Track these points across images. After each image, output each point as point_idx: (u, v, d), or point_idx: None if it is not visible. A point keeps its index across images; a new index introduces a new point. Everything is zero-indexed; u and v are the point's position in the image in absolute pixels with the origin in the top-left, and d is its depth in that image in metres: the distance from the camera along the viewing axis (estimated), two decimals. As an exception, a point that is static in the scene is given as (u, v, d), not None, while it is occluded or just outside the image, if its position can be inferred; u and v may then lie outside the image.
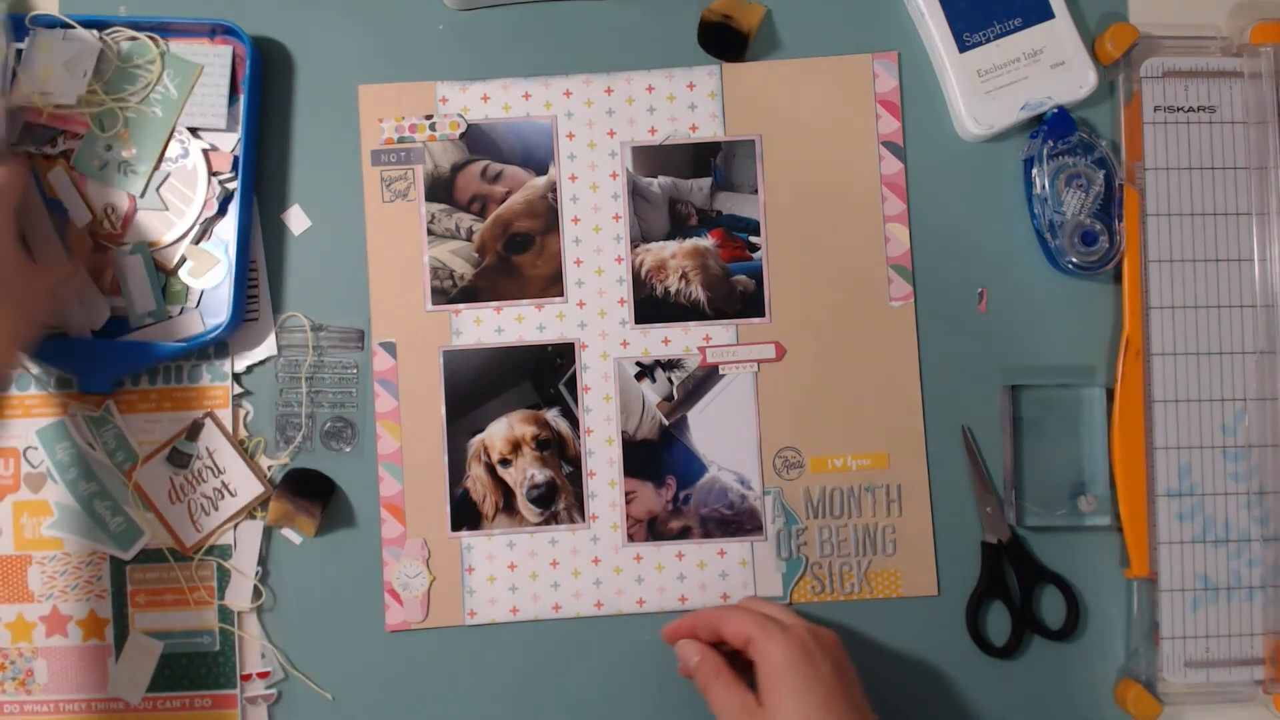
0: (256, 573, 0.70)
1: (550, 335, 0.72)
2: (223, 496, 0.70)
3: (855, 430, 0.71)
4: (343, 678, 0.70)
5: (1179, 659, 0.69)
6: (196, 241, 0.70)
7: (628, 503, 0.71)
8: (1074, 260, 0.70)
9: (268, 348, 0.71)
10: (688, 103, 0.72)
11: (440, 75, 0.72)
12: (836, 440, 0.71)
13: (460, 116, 0.72)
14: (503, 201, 0.72)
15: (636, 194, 0.72)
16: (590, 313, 0.72)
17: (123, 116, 0.70)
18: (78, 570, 0.70)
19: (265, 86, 0.72)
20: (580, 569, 0.71)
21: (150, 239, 0.70)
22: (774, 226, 0.72)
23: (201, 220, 0.70)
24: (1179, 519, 0.70)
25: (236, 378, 0.71)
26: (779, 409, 0.71)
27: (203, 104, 0.70)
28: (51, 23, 0.69)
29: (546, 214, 0.72)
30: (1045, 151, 0.70)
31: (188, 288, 0.70)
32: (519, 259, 0.72)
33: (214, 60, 0.70)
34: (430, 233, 0.72)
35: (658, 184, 0.72)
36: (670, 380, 0.71)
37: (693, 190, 0.72)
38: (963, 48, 0.71)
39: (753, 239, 0.72)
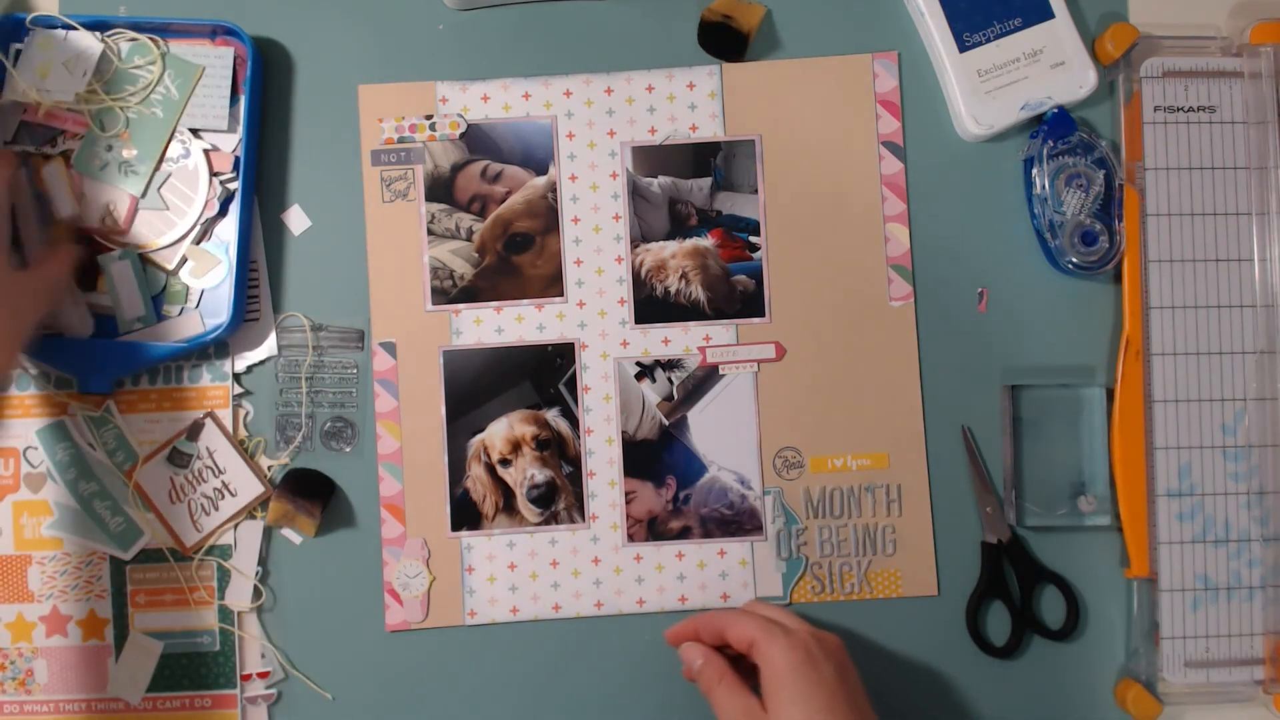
0: (256, 573, 0.70)
1: (550, 335, 0.72)
2: (223, 496, 0.70)
3: (855, 430, 0.71)
4: (343, 678, 0.70)
5: (1179, 659, 0.69)
6: (197, 242, 0.70)
7: (628, 503, 0.71)
8: (1074, 260, 0.70)
9: (268, 348, 0.71)
10: (688, 103, 0.72)
11: (440, 75, 0.72)
12: (836, 440, 0.71)
13: (460, 116, 0.72)
14: (503, 201, 0.72)
15: (636, 194, 0.72)
16: (590, 313, 0.72)
17: (123, 117, 0.70)
18: (78, 570, 0.70)
19: (265, 87, 0.72)
20: (580, 569, 0.71)
21: (151, 239, 0.70)
22: (774, 226, 0.72)
23: (203, 220, 0.70)
24: (1179, 519, 0.70)
25: (237, 378, 0.71)
26: (779, 409, 0.71)
27: (204, 105, 0.70)
28: (52, 23, 0.69)
29: (546, 214, 0.72)
30: (1045, 151, 0.70)
31: (188, 288, 0.70)
32: (519, 259, 0.72)
33: (215, 62, 0.70)
34: (430, 233, 0.72)
35: (658, 184, 0.72)
36: (670, 380, 0.71)
37: (693, 190, 0.72)
38: (963, 48, 0.71)
39: (753, 239, 0.72)
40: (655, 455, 0.71)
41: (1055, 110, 0.70)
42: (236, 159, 0.70)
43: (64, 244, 0.69)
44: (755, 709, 0.61)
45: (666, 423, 0.71)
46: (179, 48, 0.70)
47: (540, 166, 0.72)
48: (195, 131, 0.70)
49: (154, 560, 0.70)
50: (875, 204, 0.72)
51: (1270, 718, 0.70)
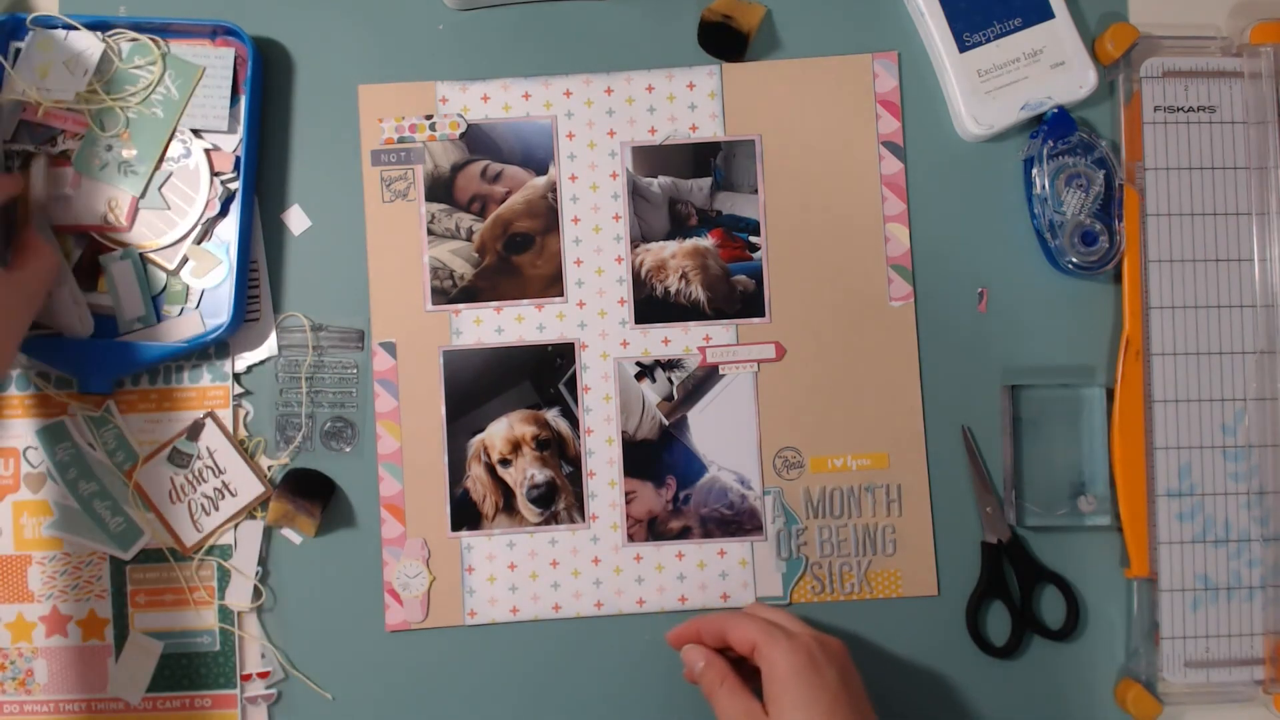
0: (256, 573, 0.70)
1: (550, 335, 0.72)
2: (223, 496, 0.70)
3: (855, 430, 0.71)
4: (343, 678, 0.70)
5: (1179, 659, 0.69)
6: (198, 242, 0.70)
7: (628, 503, 0.71)
8: (1074, 260, 0.70)
9: (268, 348, 0.71)
10: (688, 103, 0.72)
11: (440, 75, 0.72)
12: (836, 440, 0.71)
13: (460, 116, 0.72)
14: (503, 201, 0.72)
15: (636, 194, 0.72)
16: (590, 313, 0.72)
17: (124, 117, 0.70)
18: (78, 570, 0.70)
19: (265, 87, 0.72)
20: (580, 569, 0.71)
21: (152, 239, 0.70)
22: (774, 226, 0.72)
23: (204, 220, 0.70)
24: (1179, 519, 0.70)
25: (237, 378, 0.71)
26: (779, 409, 0.71)
27: (204, 105, 0.70)
28: (52, 23, 0.69)
29: (546, 214, 0.72)
30: (1045, 151, 0.70)
31: (188, 288, 0.70)
32: (519, 259, 0.72)
33: (215, 62, 0.70)
34: (430, 233, 0.72)
35: (658, 184, 0.72)
36: (670, 380, 0.71)
37: (693, 190, 0.72)
38: (963, 48, 0.71)
39: (753, 239, 0.72)
40: (655, 455, 0.71)
41: (1055, 110, 0.70)
42: (237, 159, 0.70)
43: (45, 239, 0.68)
44: (757, 712, 0.60)
45: (666, 423, 0.71)
46: (179, 48, 0.70)
47: (540, 166, 0.72)
48: (196, 132, 0.70)
49: (154, 560, 0.70)
50: (875, 204, 0.72)
51: (1270, 718, 0.70)
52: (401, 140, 0.72)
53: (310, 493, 0.70)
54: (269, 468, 0.71)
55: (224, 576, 0.70)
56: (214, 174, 0.70)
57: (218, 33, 0.71)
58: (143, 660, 0.69)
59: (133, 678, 0.69)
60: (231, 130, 0.70)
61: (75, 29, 0.69)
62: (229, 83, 0.70)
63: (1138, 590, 0.70)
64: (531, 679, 0.70)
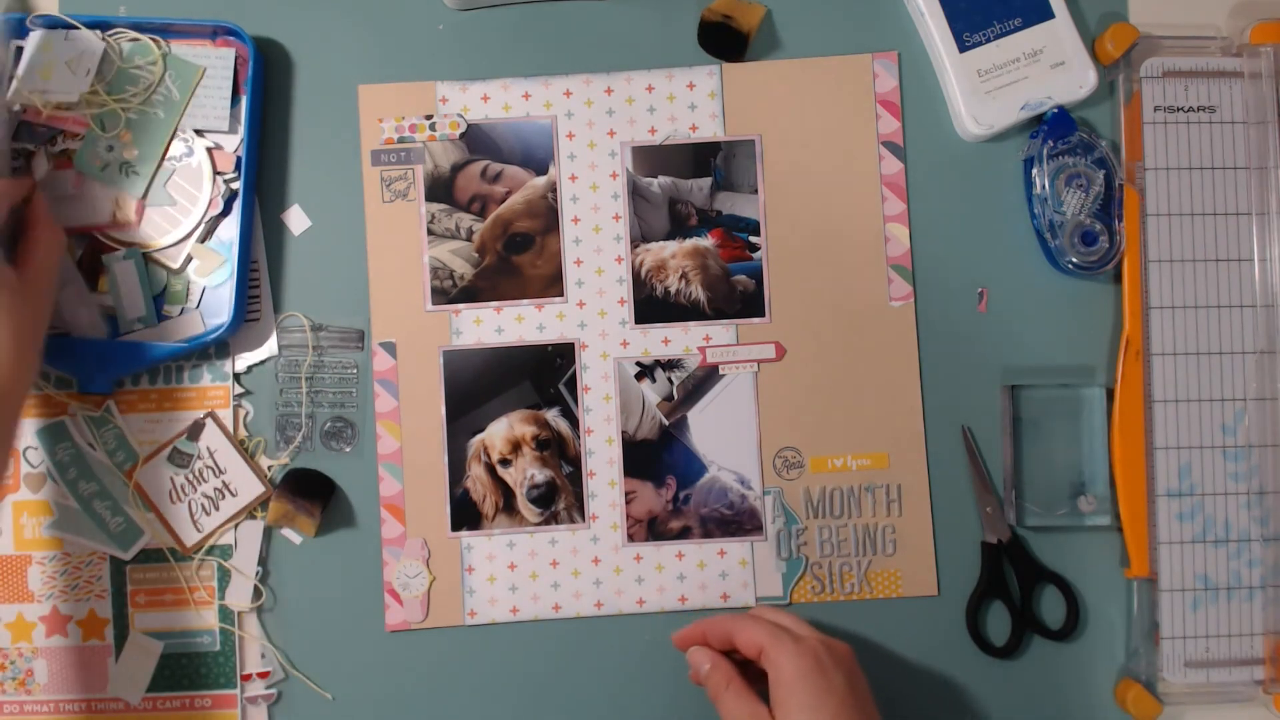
0: (257, 573, 0.70)
1: (550, 335, 0.72)
2: (223, 496, 0.70)
3: (855, 430, 0.71)
4: (343, 678, 0.70)
5: (1179, 659, 0.69)
6: (201, 241, 0.70)
7: (628, 503, 0.71)
8: (1074, 260, 0.70)
9: (268, 348, 0.71)
10: (688, 103, 0.72)
11: (440, 75, 0.72)
12: (836, 440, 0.71)
13: (460, 116, 0.72)
14: (503, 201, 0.72)
15: (636, 194, 0.72)
16: (590, 313, 0.72)
17: (124, 117, 0.70)
18: (78, 570, 0.70)
19: (266, 87, 0.72)
20: (580, 569, 0.71)
21: (155, 238, 0.70)
22: (774, 226, 0.72)
23: (207, 219, 0.70)
24: (1179, 519, 0.70)
25: (237, 378, 0.71)
26: (779, 409, 0.71)
27: (205, 105, 0.70)
28: (54, 23, 0.69)
29: (546, 214, 0.72)
30: (1045, 151, 0.70)
31: (188, 288, 0.70)
32: (519, 259, 0.72)
33: (216, 62, 0.70)
34: (430, 233, 0.72)
35: (658, 184, 0.72)
36: (670, 380, 0.71)
37: (693, 190, 0.72)
38: (963, 48, 0.71)
39: (753, 239, 0.72)
40: (655, 455, 0.71)
41: (1055, 110, 0.70)
42: (238, 159, 0.70)
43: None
44: (763, 716, 0.60)
45: (666, 423, 0.71)
46: (180, 48, 0.70)
47: (540, 166, 0.72)
48: (199, 131, 0.70)
49: (154, 560, 0.70)
50: (875, 204, 0.72)
51: (1270, 718, 0.70)
52: (401, 140, 0.72)
53: (310, 493, 0.70)
54: (269, 468, 0.71)
55: (224, 576, 0.70)
56: (216, 173, 0.70)
57: (218, 33, 0.71)
58: (143, 660, 0.69)
59: (133, 678, 0.69)
60: (232, 130, 0.70)
61: (76, 29, 0.69)
62: (229, 83, 0.70)
63: (1138, 590, 0.70)
64: (531, 679, 0.70)
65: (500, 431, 0.71)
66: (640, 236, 0.72)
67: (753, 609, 0.69)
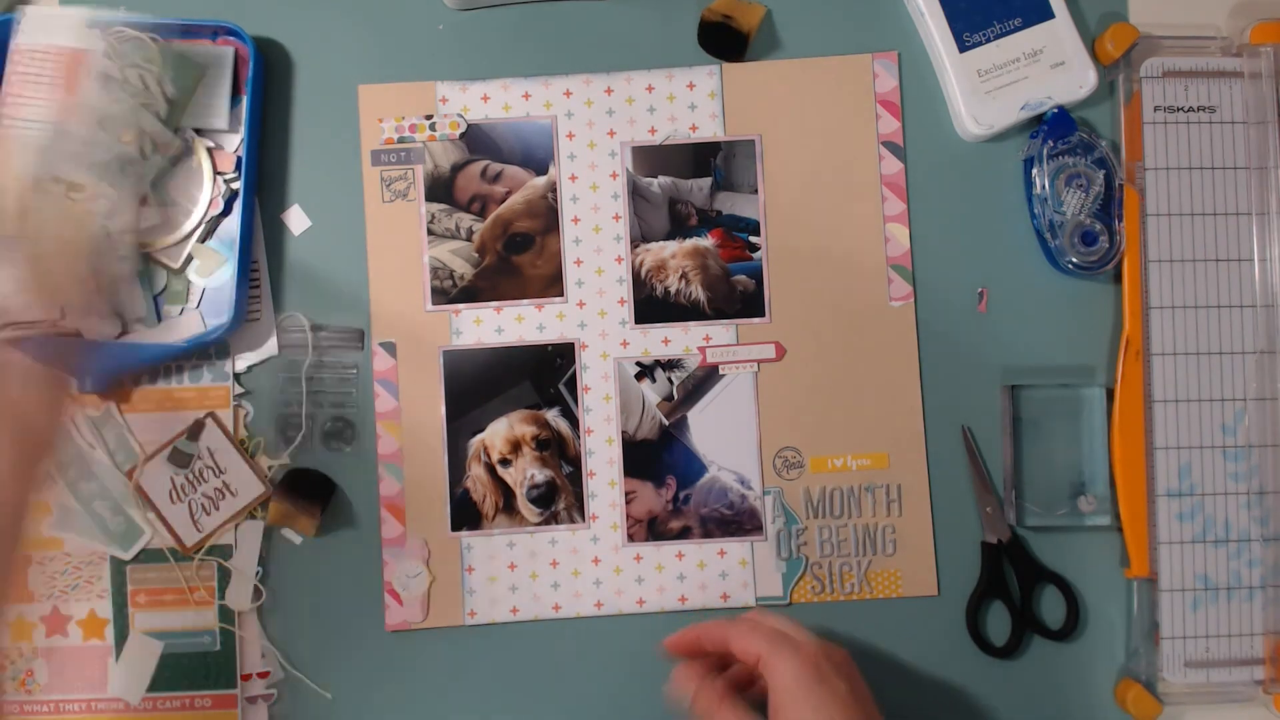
0: (256, 573, 0.70)
1: (550, 335, 0.72)
2: (223, 496, 0.70)
3: (855, 430, 0.71)
4: (343, 678, 0.70)
5: (1179, 659, 0.69)
6: (202, 240, 0.70)
7: (628, 503, 0.71)
8: (1074, 260, 0.70)
9: (268, 348, 0.71)
10: (688, 103, 0.72)
11: (440, 75, 0.72)
12: (836, 440, 0.71)
13: (460, 116, 0.72)
14: (503, 201, 0.72)
15: (636, 194, 0.72)
16: (590, 313, 0.72)
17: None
18: (78, 570, 0.70)
19: (265, 87, 0.72)
20: (580, 569, 0.71)
21: (155, 237, 0.70)
22: (774, 226, 0.72)
23: (208, 219, 0.70)
24: (1179, 519, 0.70)
25: (237, 378, 0.71)
26: (779, 409, 0.71)
27: (205, 105, 0.70)
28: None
29: (546, 214, 0.72)
30: (1045, 151, 0.70)
31: (188, 288, 0.70)
32: (519, 259, 0.72)
33: (216, 62, 0.70)
34: (430, 233, 0.72)
35: (658, 184, 0.72)
36: (670, 380, 0.71)
37: (693, 190, 0.72)
38: (963, 48, 0.71)
39: (753, 239, 0.72)
40: (655, 455, 0.71)
41: (1055, 110, 0.70)
42: (238, 159, 0.70)
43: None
44: None
45: (666, 423, 0.71)
46: (179, 48, 0.70)
47: (540, 166, 0.72)
48: (199, 131, 0.70)
49: (154, 560, 0.70)
50: (875, 204, 0.72)
51: (1270, 718, 0.70)
52: (401, 140, 0.72)
53: (310, 493, 0.70)
54: (269, 468, 0.71)
55: (224, 576, 0.70)
56: (216, 173, 0.70)
57: (218, 33, 0.71)
58: (143, 660, 0.69)
59: (133, 678, 0.69)
60: (233, 130, 0.71)
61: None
62: (229, 82, 0.70)
63: (1138, 590, 0.70)
64: (531, 679, 0.70)
65: (500, 431, 0.71)
66: (640, 236, 0.72)
67: (748, 613, 0.67)
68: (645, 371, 0.72)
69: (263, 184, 0.72)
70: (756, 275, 0.72)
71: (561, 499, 0.71)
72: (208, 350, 0.71)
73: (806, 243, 0.72)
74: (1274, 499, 0.69)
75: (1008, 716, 0.70)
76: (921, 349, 0.72)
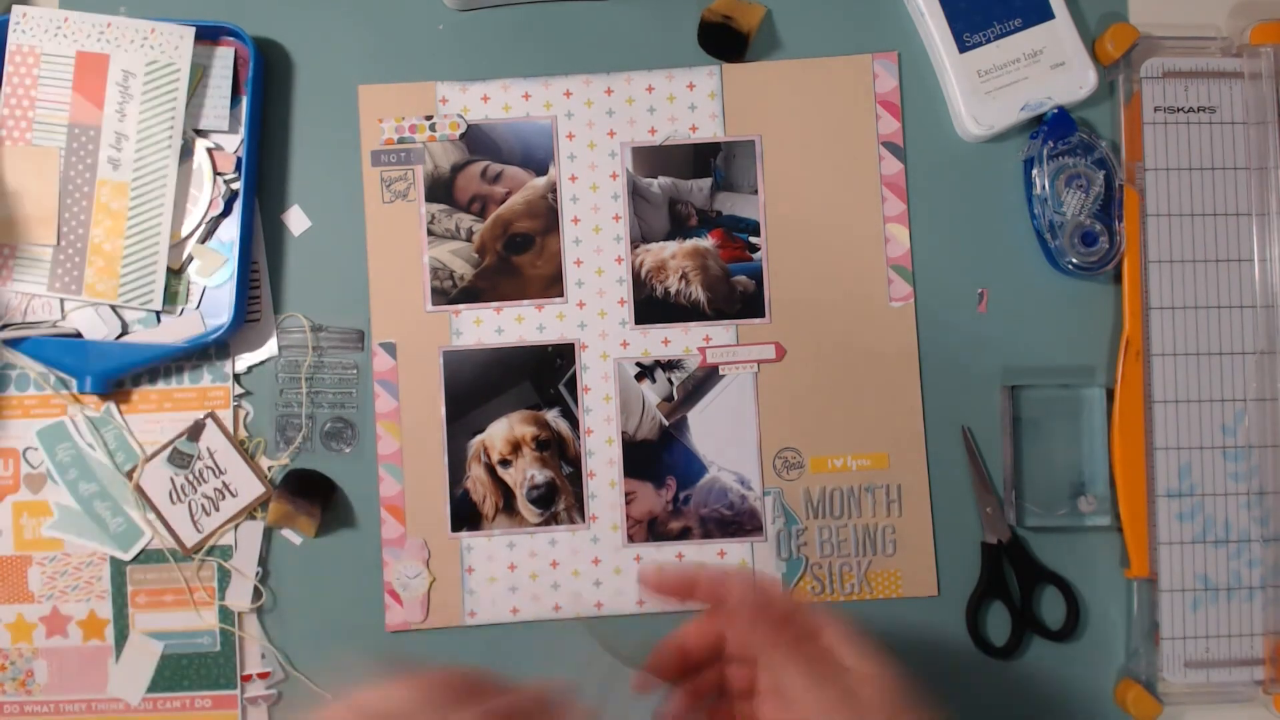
0: (257, 573, 0.70)
1: (550, 335, 0.72)
2: (223, 497, 0.70)
3: (855, 430, 0.71)
4: (343, 678, 0.70)
5: (1179, 659, 0.69)
6: (202, 241, 0.70)
7: (628, 503, 0.71)
8: (1074, 260, 0.70)
9: (268, 348, 0.71)
10: (688, 103, 0.72)
11: (440, 75, 0.72)
12: (836, 440, 0.71)
13: (460, 117, 0.72)
14: (503, 202, 0.72)
15: (636, 194, 0.72)
16: (590, 313, 0.72)
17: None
18: (78, 571, 0.70)
19: (265, 87, 0.72)
20: (580, 569, 0.71)
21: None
22: (774, 226, 0.72)
23: (208, 219, 0.70)
24: (1179, 519, 0.70)
25: (237, 378, 0.71)
26: (779, 409, 0.71)
27: (205, 106, 0.70)
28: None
29: (546, 214, 0.72)
30: (1045, 152, 0.70)
31: (188, 288, 0.70)
32: (519, 259, 0.72)
33: (216, 62, 0.70)
34: (430, 233, 0.72)
35: (658, 184, 0.72)
36: (670, 381, 0.71)
37: (693, 191, 0.72)
38: (963, 48, 0.71)
39: (753, 239, 0.72)
40: (655, 456, 0.71)
41: (1055, 110, 0.70)
42: (239, 159, 0.70)
43: None
44: None
45: (666, 423, 0.71)
46: (179, 48, 0.70)
47: (540, 167, 0.72)
48: (199, 131, 0.70)
49: (154, 561, 0.70)
50: (875, 204, 0.72)
51: (1270, 718, 0.70)
52: (401, 140, 0.72)
53: (310, 493, 0.70)
54: (269, 468, 0.71)
55: (224, 577, 0.70)
56: (216, 173, 0.70)
57: (218, 33, 0.70)
58: (143, 660, 0.69)
59: (133, 678, 0.69)
60: (233, 130, 0.70)
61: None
62: (229, 82, 0.70)
63: (1138, 590, 0.70)
64: (531, 679, 0.70)
65: (500, 432, 0.71)
66: (640, 237, 0.72)
67: (756, 586, 0.56)
68: (645, 372, 0.72)
69: (263, 184, 0.72)
70: (756, 275, 0.72)
71: (561, 499, 0.71)
72: (208, 350, 0.71)
73: (806, 243, 0.72)
74: (1274, 499, 0.69)
75: (1008, 716, 0.70)
76: (921, 349, 0.72)
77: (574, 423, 0.71)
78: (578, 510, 0.71)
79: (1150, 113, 0.71)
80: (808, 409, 0.71)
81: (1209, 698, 0.70)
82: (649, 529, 0.71)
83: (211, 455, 0.70)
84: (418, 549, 0.70)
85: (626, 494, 0.71)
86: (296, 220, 0.72)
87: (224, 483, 0.70)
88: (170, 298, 0.70)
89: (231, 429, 0.70)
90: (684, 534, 0.71)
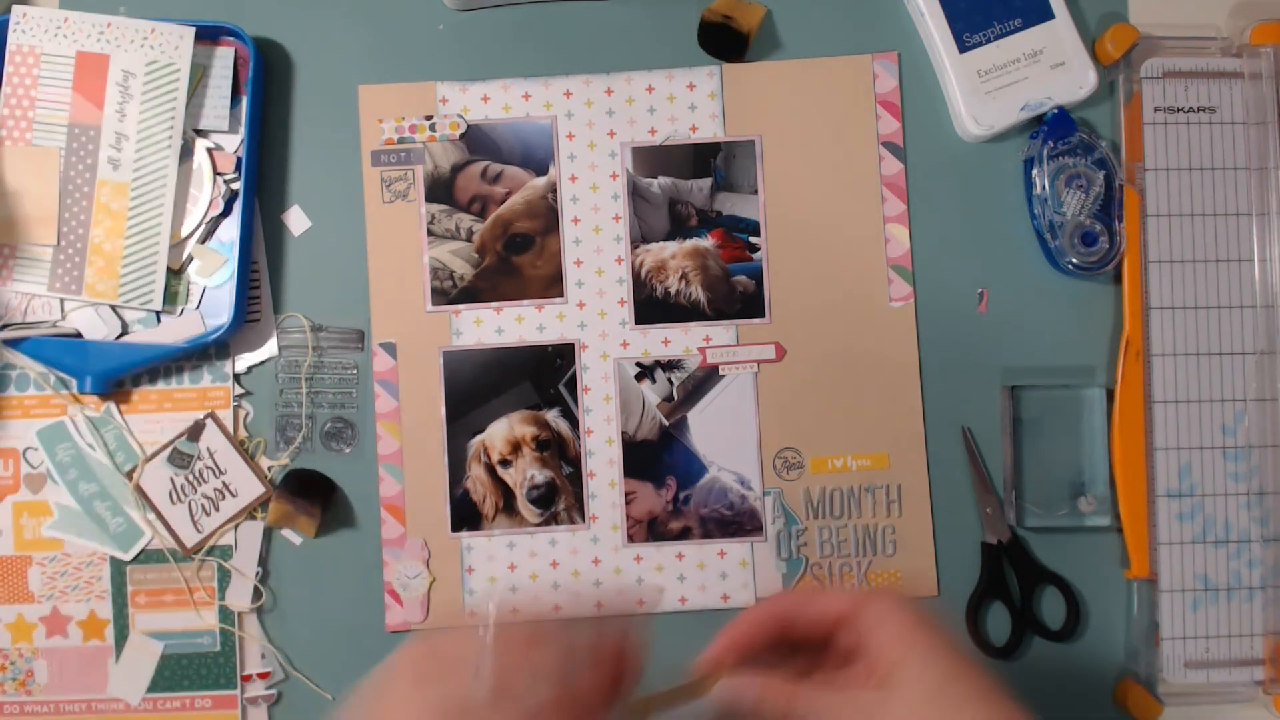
0: (257, 573, 0.70)
1: (550, 336, 0.72)
2: (223, 497, 0.70)
3: (855, 430, 0.71)
4: (343, 678, 0.70)
5: (1179, 659, 0.69)
6: (202, 241, 0.70)
7: (628, 503, 0.71)
8: (1074, 260, 0.70)
9: (268, 348, 0.71)
10: (688, 103, 0.72)
11: (440, 75, 0.72)
12: (836, 440, 0.71)
13: (460, 117, 0.72)
14: (503, 202, 0.72)
15: (636, 194, 0.72)
16: (590, 313, 0.72)
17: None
18: (78, 571, 0.70)
19: (265, 87, 0.72)
20: (580, 569, 0.71)
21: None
22: (774, 226, 0.72)
23: (208, 219, 0.70)
24: (1179, 519, 0.70)
25: (237, 378, 0.71)
26: (779, 409, 0.71)
27: (205, 106, 0.70)
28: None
29: (546, 214, 0.72)
30: (1045, 152, 0.70)
31: (188, 288, 0.70)
32: (519, 259, 0.72)
33: (216, 62, 0.70)
34: (430, 233, 0.72)
35: (658, 184, 0.72)
36: (670, 381, 0.71)
37: (693, 191, 0.72)
38: (963, 48, 0.71)
39: (753, 239, 0.72)
40: (655, 456, 0.71)
41: (1055, 111, 0.70)
42: (239, 159, 0.70)
43: None
44: (860, 683, 0.49)
45: (666, 423, 0.71)
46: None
47: (540, 167, 0.72)
48: (199, 131, 0.70)
49: (154, 561, 0.70)
50: (875, 204, 0.72)
51: (1270, 718, 0.70)
52: (401, 141, 0.72)
53: (310, 493, 0.70)
54: (269, 468, 0.71)
55: (224, 577, 0.70)
56: (216, 173, 0.70)
57: (218, 33, 0.70)
58: (143, 661, 0.69)
59: (133, 678, 0.69)
60: (233, 130, 0.71)
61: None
62: (229, 82, 0.70)
63: (1138, 590, 0.70)
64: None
65: (500, 432, 0.71)
66: (640, 237, 0.72)
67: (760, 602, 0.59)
68: (645, 372, 0.72)
69: (263, 184, 0.72)
70: (756, 275, 0.72)
71: (561, 499, 0.71)
72: (208, 351, 0.71)
73: (806, 243, 0.72)
74: (1274, 499, 0.69)
75: (1008, 717, 0.70)
76: (921, 349, 0.72)
77: (574, 423, 0.71)
78: (578, 510, 0.71)
79: (1150, 113, 0.71)
80: (808, 409, 0.71)
81: (1209, 698, 0.70)
82: (649, 529, 0.71)
83: (211, 455, 0.70)
84: (418, 549, 0.70)
85: (626, 494, 0.71)
86: (296, 220, 0.72)
87: (224, 483, 0.70)
88: (170, 298, 0.70)
89: (231, 429, 0.70)
90: (684, 534, 0.71)
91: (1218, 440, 0.70)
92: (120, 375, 0.70)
